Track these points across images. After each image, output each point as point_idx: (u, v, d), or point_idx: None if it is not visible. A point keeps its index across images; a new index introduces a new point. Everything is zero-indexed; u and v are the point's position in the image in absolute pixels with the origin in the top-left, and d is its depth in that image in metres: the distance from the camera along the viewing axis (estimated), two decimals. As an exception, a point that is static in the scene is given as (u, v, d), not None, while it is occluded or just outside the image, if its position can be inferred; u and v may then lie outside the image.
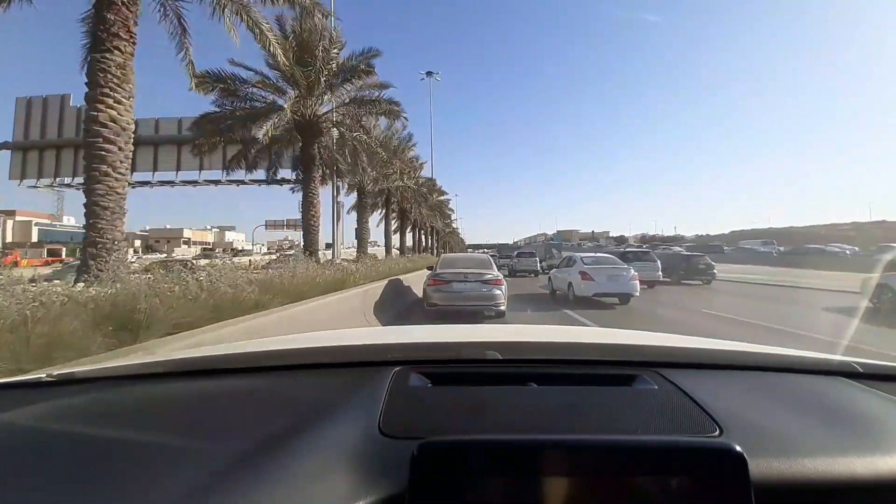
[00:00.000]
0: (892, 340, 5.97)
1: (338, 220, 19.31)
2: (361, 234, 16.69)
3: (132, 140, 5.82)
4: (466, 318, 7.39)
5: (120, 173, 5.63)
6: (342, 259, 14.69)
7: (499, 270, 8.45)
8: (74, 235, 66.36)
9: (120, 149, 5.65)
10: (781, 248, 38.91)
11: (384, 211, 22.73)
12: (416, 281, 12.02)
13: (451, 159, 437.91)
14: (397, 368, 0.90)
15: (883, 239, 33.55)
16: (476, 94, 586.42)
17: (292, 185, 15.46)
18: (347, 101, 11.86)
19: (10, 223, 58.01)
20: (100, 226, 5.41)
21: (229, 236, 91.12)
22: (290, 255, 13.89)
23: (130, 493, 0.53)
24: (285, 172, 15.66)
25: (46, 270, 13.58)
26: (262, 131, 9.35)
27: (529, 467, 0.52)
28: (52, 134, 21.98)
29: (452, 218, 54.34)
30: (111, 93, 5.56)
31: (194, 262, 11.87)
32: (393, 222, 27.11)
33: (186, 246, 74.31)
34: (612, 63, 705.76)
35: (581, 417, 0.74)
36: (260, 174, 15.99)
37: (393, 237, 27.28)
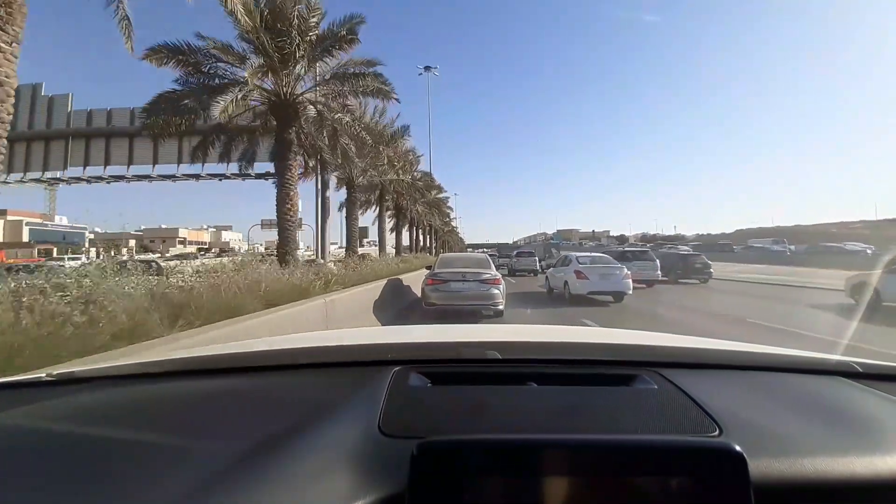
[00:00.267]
0: (867, 334, 6.32)
1: (326, 217, 17.90)
2: (350, 231, 15.16)
3: (11, 98, 4.32)
4: (465, 317, 7.29)
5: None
6: (331, 260, 13.20)
7: (498, 270, 8.34)
8: (67, 235, 65.57)
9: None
10: (793, 248, 37.37)
11: (378, 208, 21.17)
12: (413, 281, 10.52)
13: (450, 159, 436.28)
14: (397, 368, 0.90)
15: (899, 237, 32.12)
16: (476, 94, 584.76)
17: (276, 180, 13.94)
18: (328, 76, 10.29)
19: (0, 223, 56.81)
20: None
21: (226, 236, 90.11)
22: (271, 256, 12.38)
23: (130, 493, 0.53)
24: (269, 166, 14.20)
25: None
26: (220, 108, 7.80)
27: (529, 467, 0.52)
28: (23, 125, 20.49)
29: (451, 216, 53.08)
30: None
31: (157, 262, 10.65)
32: (389, 221, 25.69)
33: (182, 246, 73.27)
34: (612, 63, 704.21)
35: (581, 417, 0.74)
36: (244, 167, 14.43)
37: (389, 236, 25.95)
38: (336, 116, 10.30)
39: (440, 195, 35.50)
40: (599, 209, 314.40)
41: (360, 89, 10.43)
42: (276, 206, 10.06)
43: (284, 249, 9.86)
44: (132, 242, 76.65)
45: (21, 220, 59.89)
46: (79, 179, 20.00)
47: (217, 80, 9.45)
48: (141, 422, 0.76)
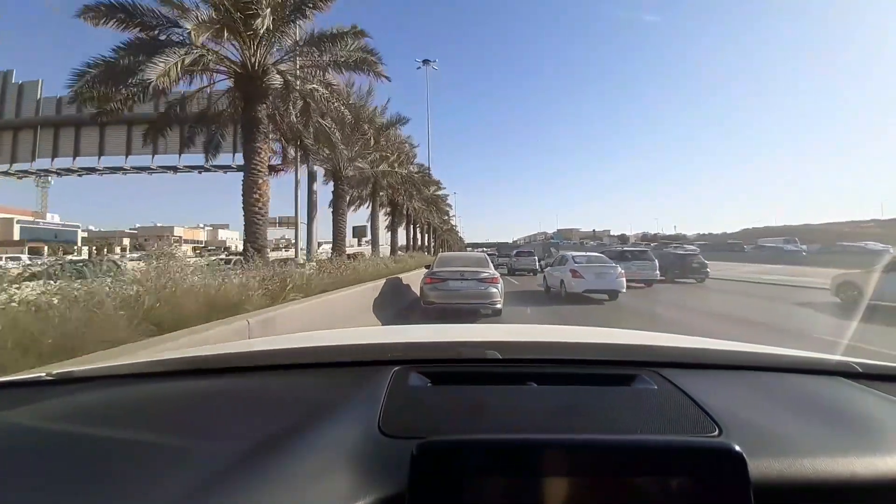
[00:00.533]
0: (843, 329, 6.54)
1: (313, 213, 16.37)
2: (338, 228, 13.61)
3: None
4: (463, 316, 7.25)
5: None
6: (315, 259, 11.66)
7: (498, 269, 8.43)
8: (59, 233, 64.29)
9: None
10: (805, 247, 35.76)
11: (371, 204, 19.60)
12: (403, 284, 9.04)
13: (451, 159, 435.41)
14: (397, 368, 0.90)
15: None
16: (476, 95, 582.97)
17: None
18: (302, 42, 8.71)
19: (-10, 221, 55.62)
20: None
21: (223, 234, 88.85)
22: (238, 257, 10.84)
23: (130, 493, 0.53)
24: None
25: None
26: (158, 71, 6.25)
27: (529, 467, 0.52)
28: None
29: (451, 215, 51.51)
30: None
31: (116, 262, 9.20)
32: (385, 219, 24.14)
33: (178, 245, 71.68)
34: (613, 62, 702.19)
35: (581, 417, 0.74)
36: (211, 156, 12.87)
37: (385, 235, 24.42)
38: (308, 88, 8.69)
39: (439, 192, 33.89)
40: (600, 209, 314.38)
41: (342, 60, 8.86)
42: (242, 195, 8.55)
43: (253, 246, 8.35)
44: (126, 241, 75.58)
45: (12, 219, 58.73)
46: (47, 172, 18.49)
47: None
48: (141, 422, 0.75)
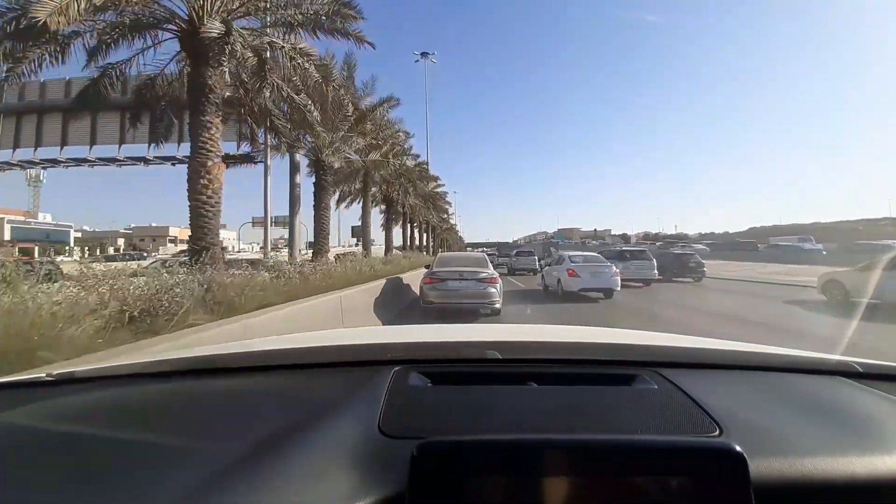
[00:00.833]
0: (825, 325, 7.04)
1: (296, 208, 14.74)
2: (319, 224, 11.90)
3: None
4: (462, 315, 7.25)
5: None
6: (286, 261, 10.02)
7: (498, 269, 8.89)
8: (51, 233, 62.98)
9: None
10: (819, 246, 33.99)
11: (362, 199, 17.90)
12: (387, 291, 7.46)
13: (451, 159, 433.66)
14: (397, 368, 0.90)
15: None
16: (476, 94, 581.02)
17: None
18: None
19: (-21, 221, 54.29)
20: None
21: (220, 235, 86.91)
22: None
23: (130, 493, 0.53)
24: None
25: None
26: (49, 7, 4.59)
27: (529, 467, 0.52)
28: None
29: (450, 213, 49.83)
30: None
31: (55, 264, 7.68)
32: (380, 216, 22.51)
33: (173, 244, 70.56)
34: (614, 61, 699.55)
35: (581, 417, 0.73)
36: (160, 142, 11.22)
37: (380, 233, 22.75)
38: (265, 42, 6.97)
39: (438, 189, 32.20)
40: (600, 208, 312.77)
41: (311, 12, 7.14)
42: (188, 180, 6.89)
43: (199, 245, 6.70)
44: (121, 241, 74.26)
45: (2, 218, 57.70)
46: (9, 164, 16.81)
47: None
48: (141, 422, 0.75)
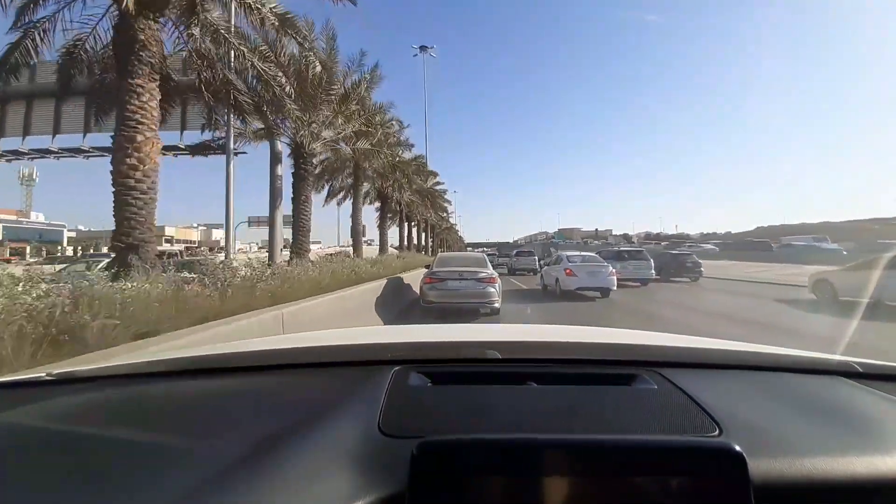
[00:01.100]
0: (815, 322, 7.32)
1: (276, 202, 13.25)
2: (298, 220, 10.45)
3: None
4: (462, 315, 7.24)
5: None
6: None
7: (498, 269, 9.46)
8: (44, 233, 61.68)
9: None
10: (836, 245, 32.44)
11: (353, 194, 16.39)
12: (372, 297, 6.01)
13: (451, 158, 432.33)
14: (397, 368, 0.89)
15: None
16: (476, 94, 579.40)
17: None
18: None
19: (-30, 221, 53.08)
20: None
21: (216, 234, 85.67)
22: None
23: (130, 493, 0.53)
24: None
25: None
26: None
27: (529, 467, 0.52)
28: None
29: (450, 212, 48.34)
30: None
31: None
32: (375, 214, 21.02)
33: (169, 245, 69.24)
34: (615, 61, 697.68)
35: (581, 417, 0.73)
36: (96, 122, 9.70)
37: (376, 233, 21.26)
38: None
39: (437, 186, 30.72)
40: (601, 208, 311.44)
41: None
42: (112, 159, 5.43)
43: (124, 243, 5.24)
44: (115, 241, 73.02)
45: (-6, 219, 56.48)
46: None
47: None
48: (141, 422, 0.75)
